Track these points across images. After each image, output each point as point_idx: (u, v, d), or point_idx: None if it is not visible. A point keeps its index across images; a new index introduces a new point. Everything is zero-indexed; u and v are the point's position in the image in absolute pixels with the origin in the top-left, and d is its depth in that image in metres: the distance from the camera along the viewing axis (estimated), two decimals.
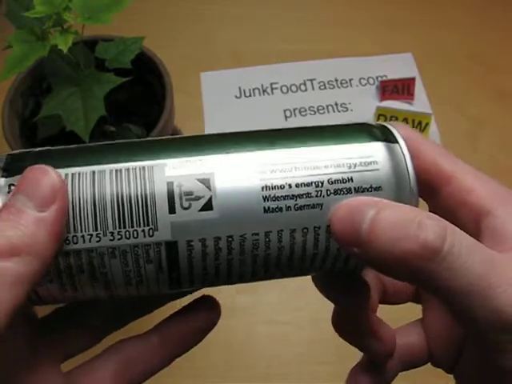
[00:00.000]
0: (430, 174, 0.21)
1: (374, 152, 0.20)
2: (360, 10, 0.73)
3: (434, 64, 0.67)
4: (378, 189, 0.19)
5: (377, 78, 0.66)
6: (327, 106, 0.64)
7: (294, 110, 0.64)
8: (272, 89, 0.66)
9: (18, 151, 0.20)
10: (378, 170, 0.19)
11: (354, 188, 0.19)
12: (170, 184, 0.18)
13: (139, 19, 0.66)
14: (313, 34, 0.70)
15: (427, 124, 0.61)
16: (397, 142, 0.20)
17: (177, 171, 0.18)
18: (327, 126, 0.22)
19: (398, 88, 0.64)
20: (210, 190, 0.18)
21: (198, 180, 0.18)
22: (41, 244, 0.17)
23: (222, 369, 0.48)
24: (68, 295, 0.19)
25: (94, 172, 0.18)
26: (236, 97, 0.65)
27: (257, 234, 0.19)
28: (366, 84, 0.66)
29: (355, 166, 0.19)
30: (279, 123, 0.63)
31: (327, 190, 0.19)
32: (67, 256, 0.18)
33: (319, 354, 0.48)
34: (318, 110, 0.64)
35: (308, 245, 0.19)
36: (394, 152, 0.20)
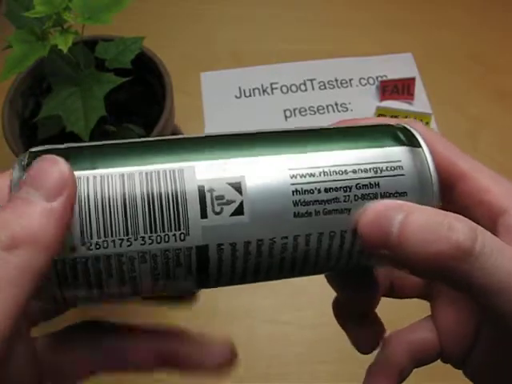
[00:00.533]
0: (445, 170, 0.22)
1: (399, 157, 0.20)
2: (360, 10, 0.73)
3: (434, 64, 0.67)
4: (402, 194, 0.19)
5: (377, 78, 0.66)
6: (327, 106, 0.64)
7: (294, 109, 0.64)
8: (272, 89, 0.66)
9: (40, 148, 0.19)
10: (403, 175, 0.20)
11: (381, 193, 0.19)
12: (201, 188, 0.18)
13: (139, 19, 0.66)
14: (313, 34, 0.70)
15: (427, 124, 0.61)
16: (420, 146, 0.20)
17: (207, 174, 0.18)
18: (352, 128, 0.22)
19: (398, 88, 0.64)
20: (241, 194, 0.18)
21: (229, 184, 0.18)
22: (49, 235, 0.17)
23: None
24: (93, 297, 0.19)
25: (123, 174, 0.18)
26: (236, 97, 0.65)
27: (286, 238, 0.19)
28: (366, 84, 0.66)
29: (381, 170, 0.19)
30: (279, 123, 0.63)
31: (355, 195, 0.19)
32: (97, 261, 0.18)
33: (319, 353, 0.48)
34: (317, 109, 0.64)
35: (334, 247, 0.19)
36: (418, 157, 0.20)
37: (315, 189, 0.19)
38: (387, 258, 0.19)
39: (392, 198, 0.19)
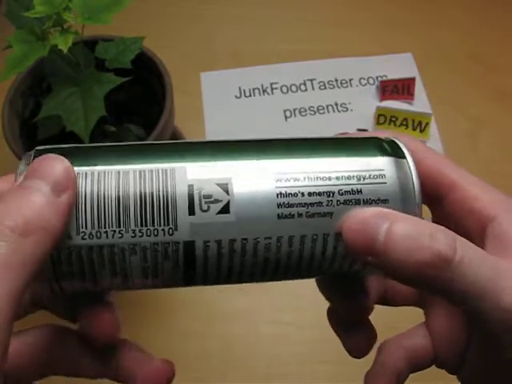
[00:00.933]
0: (435, 181, 0.22)
1: (382, 166, 0.21)
2: (360, 10, 0.73)
3: (434, 64, 0.67)
4: (384, 201, 0.20)
5: (377, 78, 0.66)
6: (327, 106, 0.64)
7: (294, 110, 0.64)
8: (272, 89, 0.66)
9: (44, 147, 0.20)
10: (385, 183, 0.20)
11: (363, 200, 0.20)
12: (190, 187, 0.19)
13: (139, 19, 0.66)
14: (313, 34, 0.70)
15: (427, 124, 0.61)
16: (404, 157, 0.21)
17: (197, 175, 0.19)
18: (339, 139, 0.23)
19: (398, 88, 0.64)
20: (228, 194, 0.19)
21: (217, 184, 0.19)
22: (56, 224, 0.18)
23: (223, 369, 0.48)
24: (88, 287, 0.20)
25: (119, 172, 0.19)
26: (236, 97, 0.65)
27: (269, 238, 0.20)
28: (366, 84, 0.66)
29: (364, 178, 0.20)
30: (279, 123, 0.63)
31: (337, 201, 0.20)
32: (90, 250, 0.19)
33: (320, 353, 0.48)
34: (317, 109, 0.64)
35: (317, 250, 0.20)
36: (402, 167, 0.21)
37: (299, 192, 0.20)
38: (371, 265, 0.19)
39: (374, 204, 0.20)
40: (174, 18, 0.71)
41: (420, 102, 0.64)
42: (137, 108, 0.49)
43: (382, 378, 0.25)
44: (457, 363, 0.24)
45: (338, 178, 0.20)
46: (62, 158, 0.19)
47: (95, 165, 0.19)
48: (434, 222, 0.25)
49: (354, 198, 0.20)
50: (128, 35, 0.46)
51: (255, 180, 0.20)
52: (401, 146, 0.22)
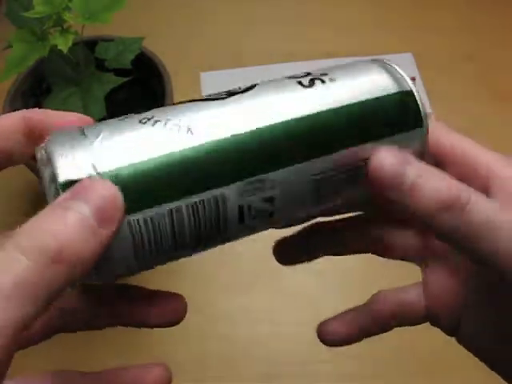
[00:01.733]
0: (454, 157, 0.25)
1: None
2: (360, 10, 0.73)
3: (434, 64, 0.67)
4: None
5: None
6: None
7: None
8: None
9: (70, 177, 0.18)
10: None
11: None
12: (240, 207, 0.20)
13: (139, 19, 0.66)
14: (313, 33, 0.70)
15: None
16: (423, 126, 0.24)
17: (246, 194, 0.20)
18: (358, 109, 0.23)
19: None
20: (273, 205, 0.21)
21: (264, 199, 0.21)
22: (89, 259, 0.16)
23: (223, 369, 0.48)
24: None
25: (171, 211, 0.19)
26: None
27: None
28: None
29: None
30: None
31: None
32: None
33: (320, 353, 0.48)
34: None
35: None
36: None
37: (332, 177, 0.21)
38: (391, 202, 0.21)
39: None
40: (174, 17, 0.71)
41: None
42: (137, 108, 0.49)
43: (359, 315, 0.27)
44: (453, 324, 0.25)
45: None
46: (108, 182, 0.17)
47: (141, 208, 0.18)
48: None
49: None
50: (128, 35, 0.46)
51: (295, 186, 0.21)
52: (422, 114, 0.24)
